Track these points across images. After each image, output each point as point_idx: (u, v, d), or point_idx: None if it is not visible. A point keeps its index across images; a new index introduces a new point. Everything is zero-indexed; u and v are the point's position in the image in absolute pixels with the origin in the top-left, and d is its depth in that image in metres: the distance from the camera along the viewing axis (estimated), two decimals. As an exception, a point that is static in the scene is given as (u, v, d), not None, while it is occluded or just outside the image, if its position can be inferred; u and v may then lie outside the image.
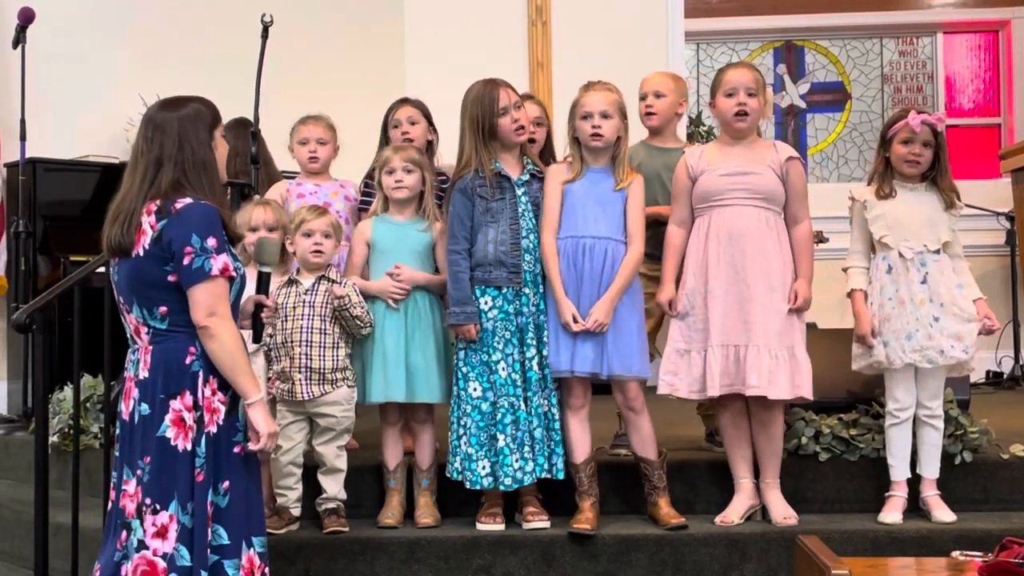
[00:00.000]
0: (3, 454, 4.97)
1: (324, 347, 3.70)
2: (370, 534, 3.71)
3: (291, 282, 3.78)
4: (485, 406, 3.68)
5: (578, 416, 3.74)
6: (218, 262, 2.80)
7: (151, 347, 2.85)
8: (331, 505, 3.74)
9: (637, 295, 3.76)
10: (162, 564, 2.78)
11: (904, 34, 8.22)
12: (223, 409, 2.86)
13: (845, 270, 3.88)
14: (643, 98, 4.20)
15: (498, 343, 3.69)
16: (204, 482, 2.81)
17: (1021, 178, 5.34)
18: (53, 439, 4.24)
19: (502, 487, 3.67)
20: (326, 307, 3.71)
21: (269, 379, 3.75)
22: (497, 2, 6.45)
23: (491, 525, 3.71)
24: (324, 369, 3.69)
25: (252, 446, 2.87)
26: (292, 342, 3.69)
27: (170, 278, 2.80)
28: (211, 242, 2.80)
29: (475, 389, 3.70)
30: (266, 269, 3.10)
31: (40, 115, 5.28)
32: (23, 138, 5.20)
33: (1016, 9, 8.01)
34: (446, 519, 3.83)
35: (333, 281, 3.75)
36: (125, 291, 2.88)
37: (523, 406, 3.68)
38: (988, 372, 6.91)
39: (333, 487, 3.75)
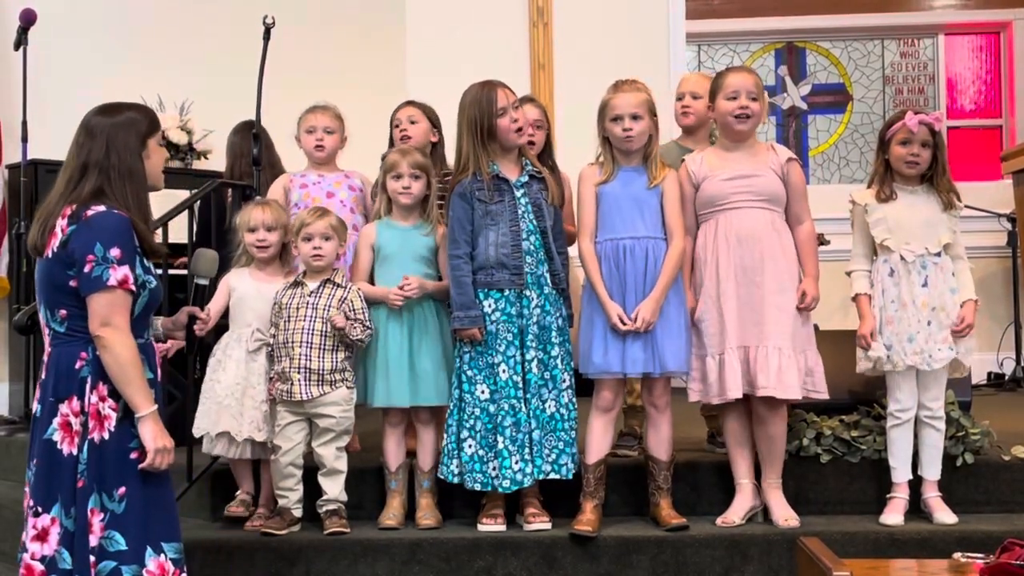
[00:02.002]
0: (4, 455, 4.96)
1: (324, 349, 3.71)
2: (371, 535, 3.71)
3: (296, 283, 3.79)
4: (492, 408, 3.68)
5: (605, 418, 3.74)
6: (117, 273, 2.77)
7: (50, 349, 2.86)
8: (332, 506, 3.75)
9: (682, 290, 3.75)
10: (39, 567, 2.77)
11: (905, 35, 8.21)
12: (114, 416, 2.81)
13: (849, 274, 3.88)
14: (680, 98, 4.20)
15: (499, 345, 3.69)
16: (84, 489, 2.78)
17: (1022, 180, 5.33)
18: (54, 440, 4.22)
19: (500, 489, 3.67)
20: (329, 310, 3.71)
21: (271, 379, 3.76)
22: (498, 3, 6.43)
23: (492, 526, 3.71)
24: (323, 370, 3.70)
25: (142, 464, 2.81)
26: (293, 342, 3.70)
27: (71, 283, 2.79)
28: (114, 252, 2.77)
29: (482, 392, 3.69)
30: (202, 281, 3.09)
31: (41, 116, 5.26)
32: (24, 139, 5.19)
33: (1017, 10, 7.99)
34: (447, 520, 3.83)
35: (339, 286, 3.76)
36: (37, 290, 2.90)
37: (524, 408, 3.68)
38: (989, 374, 6.90)
39: (333, 488, 3.75)
